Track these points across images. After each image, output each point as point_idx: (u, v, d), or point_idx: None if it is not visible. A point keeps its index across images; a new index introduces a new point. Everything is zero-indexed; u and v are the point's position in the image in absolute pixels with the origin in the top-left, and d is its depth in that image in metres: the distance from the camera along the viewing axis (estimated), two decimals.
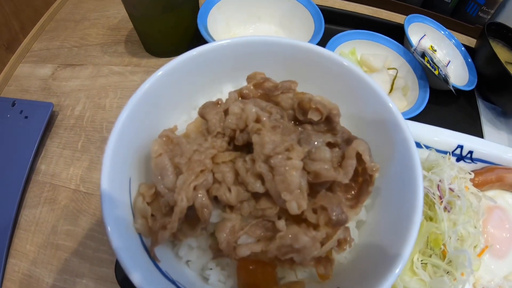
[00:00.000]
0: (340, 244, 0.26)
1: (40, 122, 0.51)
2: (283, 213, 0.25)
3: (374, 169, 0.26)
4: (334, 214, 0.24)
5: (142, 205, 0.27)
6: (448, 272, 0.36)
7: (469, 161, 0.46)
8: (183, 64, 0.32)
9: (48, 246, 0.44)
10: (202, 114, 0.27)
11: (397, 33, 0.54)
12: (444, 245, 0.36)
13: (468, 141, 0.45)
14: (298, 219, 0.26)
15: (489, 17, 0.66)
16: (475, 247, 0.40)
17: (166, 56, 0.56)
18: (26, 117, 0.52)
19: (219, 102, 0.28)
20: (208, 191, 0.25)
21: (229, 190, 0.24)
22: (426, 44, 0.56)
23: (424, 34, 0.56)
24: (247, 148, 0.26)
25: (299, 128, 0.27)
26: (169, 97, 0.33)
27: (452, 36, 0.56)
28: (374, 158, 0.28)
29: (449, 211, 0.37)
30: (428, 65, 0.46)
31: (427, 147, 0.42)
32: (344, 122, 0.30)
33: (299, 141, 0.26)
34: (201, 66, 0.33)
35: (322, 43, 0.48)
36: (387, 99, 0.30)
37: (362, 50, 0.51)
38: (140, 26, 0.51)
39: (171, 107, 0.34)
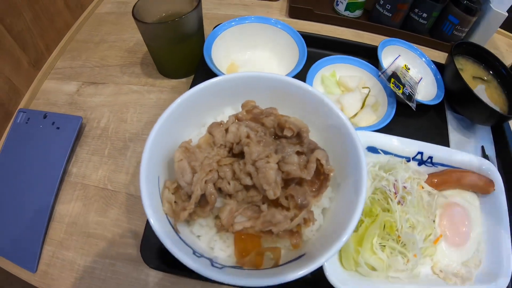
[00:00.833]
0: (306, 221, 0.42)
1: (71, 132, 0.68)
2: (266, 199, 0.42)
3: (329, 170, 0.43)
4: (299, 200, 0.40)
5: (168, 195, 0.43)
6: (402, 254, 0.52)
7: (430, 165, 0.62)
8: (195, 92, 0.49)
9: (80, 234, 0.59)
10: (210, 131, 0.44)
11: (373, 56, 0.71)
12: (397, 230, 0.52)
13: (428, 148, 0.60)
14: (276, 204, 0.42)
15: (463, 35, 0.82)
16: (429, 235, 0.55)
17: (177, 78, 0.73)
18: (58, 128, 0.69)
19: (222, 123, 0.45)
20: (214, 184, 0.41)
21: (229, 183, 0.41)
22: (400, 63, 0.72)
23: (399, 54, 0.72)
24: (241, 155, 0.43)
25: (277, 141, 0.44)
26: (185, 117, 0.50)
27: (424, 55, 0.73)
28: (337, 160, 0.44)
29: (402, 205, 0.53)
30: (392, 86, 0.62)
31: (389, 153, 0.58)
32: (314, 133, 0.47)
33: (276, 150, 0.42)
34: (208, 94, 0.50)
35: (307, 66, 0.65)
36: (340, 113, 0.46)
37: (341, 72, 0.68)
38: (155, 53, 0.69)
39: (186, 124, 0.51)
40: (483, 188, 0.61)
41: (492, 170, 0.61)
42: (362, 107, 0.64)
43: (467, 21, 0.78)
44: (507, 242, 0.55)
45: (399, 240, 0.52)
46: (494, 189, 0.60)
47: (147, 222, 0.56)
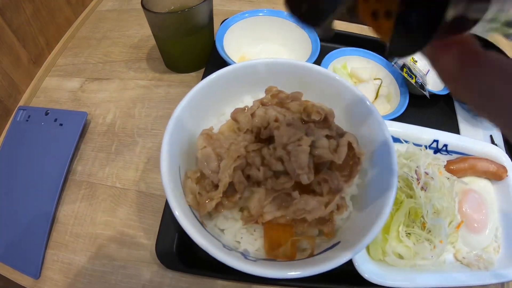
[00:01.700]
0: (339, 208, 0.39)
1: (75, 129, 0.63)
2: (296, 186, 0.38)
3: (360, 154, 0.40)
4: (333, 184, 0.37)
5: (192, 185, 0.39)
6: (428, 240, 0.49)
7: (445, 153, 0.60)
8: (214, 79, 0.45)
9: (87, 236, 0.53)
10: (234, 117, 0.41)
11: (382, 48, 0.69)
12: (423, 217, 0.49)
13: (443, 136, 0.59)
14: (307, 191, 0.39)
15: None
16: (451, 221, 0.53)
17: (185, 72, 0.69)
18: (61, 124, 0.64)
19: (246, 108, 0.41)
20: (242, 171, 0.38)
21: (258, 169, 0.37)
22: None
23: None
24: (268, 141, 0.40)
25: (306, 126, 0.41)
26: (203, 106, 0.46)
27: None
28: (362, 147, 0.41)
29: (425, 190, 0.50)
30: (406, 75, 0.61)
31: (407, 142, 0.56)
32: (338, 121, 0.44)
33: (306, 134, 0.39)
34: (226, 81, 0.47)
35: (319, 58, 0.63)
36: (367, 101, 0.44)
37: (352, 64, 0.66)
38: (164, 46, 0.65)
39: (204, 113, 0.47)
40: (496, 174, 0.60)
41: (503, 156, 0.60)
42: (375, 98, 0.62)
43: None
44: None
45: (424, 227, 0.50)
46: (507, 175, 0.59)
47: (162, 220, 0.51)
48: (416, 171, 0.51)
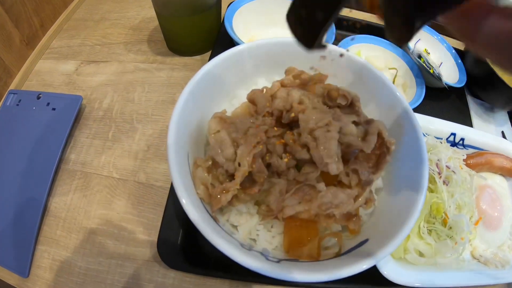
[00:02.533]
0: (367, 202, 0.33)
1: (69, 114, 0.55)
2: (322, 178, 0.33)
3: (391, 142, 0.34)
4: (364, 175, 0.32)
5: (203, 175, 0.33)
6: (450, 237, 0.45)
7: (461, 147, 0.56)
8: (225, 59, 0.39)
9: (80, 231, 0.47)
10: (251, 98, 0.35)
11: None
12: (445, 213, 0.44)
13: (460, 130, 0.55)
14: (332, 183, 0.33)
15: None
16: (471, 217, 0.49)
17: (189, 54, 0.62)
18: (53, 109, 0.57)
19: (264, 89, 0.35)
20: (262, 159, 0.32)
21: (280, 157, 0.31)
22: (421, 47, 0.66)
23: (419, 38, 0.66)
24: (290, 125, 0.34)
25: (332, 110, 0.35)
26: (212, 89, 0.40)
27: (444, 40, 0.67)
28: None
29: (447, 185, 0.46)
30: (424, 65, 0.56)
31: (425, 134, 0.51)
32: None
33: (332, 119, 0.33)
34: (239, 62, 0.41)
35: None
36: (396, 90, 0.39)
37: (366, 53, 0.61)
38: (167, 25, 0.58)
39: (214, 97, 0.41)
40: (511, 170, 0.56)
41: None
42: None
43: None
44: None
45: (446, 223, 0.45)
46: None
47: (165, 214, 0.44)
48: (437, 164, 0.47)
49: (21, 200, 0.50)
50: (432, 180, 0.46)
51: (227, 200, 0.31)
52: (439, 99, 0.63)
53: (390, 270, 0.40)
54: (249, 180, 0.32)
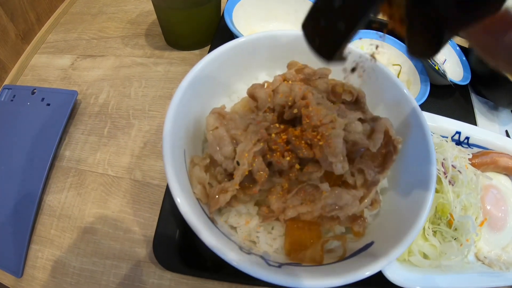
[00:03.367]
0: (373, 203, 0.31)
1: (64, 109, 0.53)
2: (324, 178, 0.30)
3: (398, 141, 0.32)
4: (370, 175, 0.29)
5: (201, 174, 0.31)
6: (455, 239, 0.43)
7: (466, 146, 0.54)
8: (225, 52, 0.37)
9: (74, 230, 0.45)
10: (251, 93, 0.32)
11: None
12: (450, 214, 0.42)
13: (465, 128, 0.52)
14: (337, 183, 0.31)
15: None
16: (476, 218, 0.47)
17: (187, 49, 0.60)
18: (48, 104, 0.54)
19: (265, 84, 0.33)
20: (263, 158, 0.29)
21: (283, 156, 0.29)
22: None
23: None
24: (293, 122, 0.31)
25: (337, 107, 0.33)
26: (211, 83, 0.37)
27: None
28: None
29: (453, 185, 0.43)
30: (429, 61, 0.53)
31: (432, 133, 0.49)
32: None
33: (337, 116, 0.31)
34: (239, 55, 0.38)
35: None
36: (403, 86, 0.37)
37: (368, 48, 0.58)
38: (165, 18, 0.55)
39: (213, 92, 0.38)
40: None
41: None
42: None
43: None
44: None
45: (451, 224, 0.43)
46: None
47: (161, 213, 0.42)
48: (443, 163, 0.44)
49: (15, 198, 0.48)
50: (438, 180, 0.44)
51: (225, 201, 0.28)
52: (443, 97, 0.61)
53: (393, 273, 0.38)
54: (249, 179, 0.29)
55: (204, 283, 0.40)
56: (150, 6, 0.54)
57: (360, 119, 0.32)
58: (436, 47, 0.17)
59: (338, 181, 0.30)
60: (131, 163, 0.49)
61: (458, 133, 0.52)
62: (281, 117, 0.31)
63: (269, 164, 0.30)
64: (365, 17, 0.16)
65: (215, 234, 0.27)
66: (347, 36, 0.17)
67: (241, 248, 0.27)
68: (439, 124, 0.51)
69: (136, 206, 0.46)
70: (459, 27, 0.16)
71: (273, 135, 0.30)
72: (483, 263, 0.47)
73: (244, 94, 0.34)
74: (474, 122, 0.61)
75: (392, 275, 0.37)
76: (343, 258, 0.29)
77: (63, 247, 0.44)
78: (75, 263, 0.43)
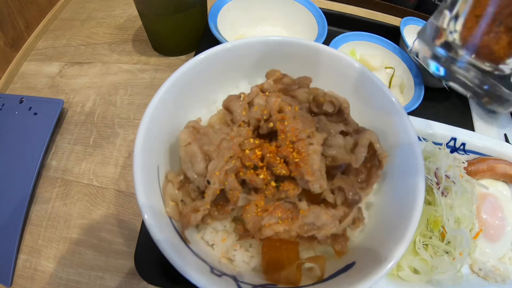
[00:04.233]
0: (355, 222, 0.29)
1: (50, 119, 0.52)
2: (303, 195, 0.29)
3: (384, 155, 0.30)
4: (351, 194, 0.27)
5: (173, 191, 0.29)
6: (447, 252, 0.40)
7: (462, 152, 0.51)
8: (203, 60, 0.35)
9: (61, 241, 0.45)
10: (226, 106, 0.30)
11: (393, 35, 0.59)
12: (443, 227, 0.40)
13: (461, 134, 0.49)
14: (316, 200, 0.29)
15: None
16: (470, 230, 0.44)
17: (174, 55, 0.58)
18: (35, 113, 0.53)
19: (242, 95, 0.31)
20: (236, 175, 0.27)
21: (257, 173, 0.27)
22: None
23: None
24: (269, 136, 0.29)
25: (316, 119, 0.30)
26: (189, 93, 0.35)
27: None
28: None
29: (446, 196, 0.41)
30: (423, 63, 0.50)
31: (424, 139, 0.46)
32: (351, 114, 0.34)
33: (316, 129, 0.29)
34: (219, 63, 0.36)
35: (325, 43, 0.52)
36: (390, 94, 0.34)
37: (361, 51, 0.56)
38: (150, 25, 0.53)
39: (191, 102, 0.36)
40: None
41: None
42: (389, 88, 0.52)
43: None
44: None
45: (443, 237, 0.41)
46: None
47: (143, 225, 0.41)
48: (435, 173, 0.42)
49: (3, 207, 0.47)
50: (429, 191, 0.41)
51: (197, 220, 0.27)
52: (439, 101, 0.58)
53: None
54: (223, 197, 0.28)
55: None
56: None
57: (342, 132, 0.30)
58: None
59: (317, 198, 0.29)
60: (115, 173, 0.48)
61: (454, 139, 0.49)
62: (257, 131, 0.29)
63: (243, 182, 0.28)
64: None
65: (185, 256, 0.25)
66: None
67: (212, 269, 0.26)
68: (433, 131, 0.48)
69: (121, 217, 0.45)
70: None
71: (247, 151, 0.28)
72: (478, 275, 0.45)
73: None
74: (471, 125, 0.58)
75: None
76: (321, 280, 0.27)
77: (50, 258, 0.44)
78: (62, 273, 0.43)
